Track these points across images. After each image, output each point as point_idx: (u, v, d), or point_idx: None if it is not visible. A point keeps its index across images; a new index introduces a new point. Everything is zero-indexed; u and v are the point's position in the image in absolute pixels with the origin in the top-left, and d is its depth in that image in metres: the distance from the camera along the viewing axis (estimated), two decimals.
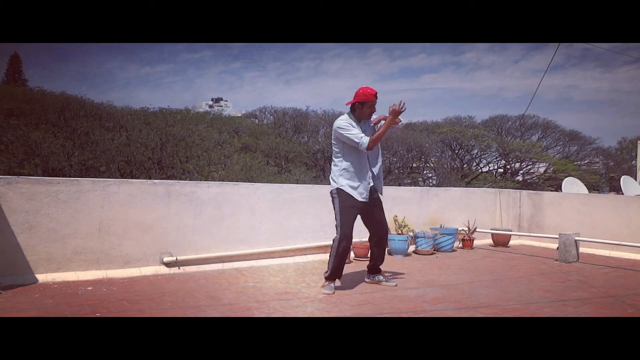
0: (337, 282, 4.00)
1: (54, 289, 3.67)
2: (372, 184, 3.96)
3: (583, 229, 6.24)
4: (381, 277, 4.22)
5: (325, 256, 5.46)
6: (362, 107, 3.89)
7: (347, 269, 4.88)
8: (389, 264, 5.30)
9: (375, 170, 4.02)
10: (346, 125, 3.85)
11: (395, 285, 4.13)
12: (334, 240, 3.87)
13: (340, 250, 3.81)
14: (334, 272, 3.89)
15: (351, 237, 3.84)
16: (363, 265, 5.17)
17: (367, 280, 4.26)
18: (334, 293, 3.81)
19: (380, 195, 4.09)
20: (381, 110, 4.01)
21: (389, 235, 5.84)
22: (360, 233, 5.84)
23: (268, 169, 17.42)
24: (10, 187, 3.82)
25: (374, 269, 4.24)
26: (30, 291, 3.57)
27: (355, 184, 3.86)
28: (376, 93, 3.89)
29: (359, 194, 3.85)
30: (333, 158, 4.00)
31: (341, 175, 3.87)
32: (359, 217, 3.98)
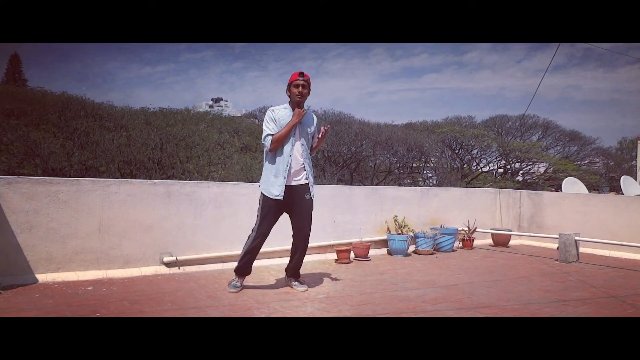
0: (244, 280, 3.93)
1: (54, 289, 3.67)
2: (295, 183, 3.77)
3: (583, 229, 6.24)
4: (294, 282, 4.01)
5: (325, 256, 5.47)
6: (289, 90, 3.77)
7: (347, 269, 4.88)
8: (390, 263, 5.29)
9: (296, 168, 3.77)
10: (267, 117, 3.76)
11: (305, 290, 3.89)
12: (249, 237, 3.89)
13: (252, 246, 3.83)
14: (242, 267, 3.88)
15: (266, 236, 3.82)
16: (363, 265, 5.18)
17: (285, 279, 4.13)
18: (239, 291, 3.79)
19: (309, 198, 3.83)
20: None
21: (390, 235, 5.87)
22: (360, 233, 5.87)
23: None
24: (10, 187, 3.82)
25: (289, 272, 4.05)
26: (30, 291, 3.57)
27: (272, 180, 3.74)
28: (302, 72, 3.73)
29: (275, 192, 3.72)
30: None
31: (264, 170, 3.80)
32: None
